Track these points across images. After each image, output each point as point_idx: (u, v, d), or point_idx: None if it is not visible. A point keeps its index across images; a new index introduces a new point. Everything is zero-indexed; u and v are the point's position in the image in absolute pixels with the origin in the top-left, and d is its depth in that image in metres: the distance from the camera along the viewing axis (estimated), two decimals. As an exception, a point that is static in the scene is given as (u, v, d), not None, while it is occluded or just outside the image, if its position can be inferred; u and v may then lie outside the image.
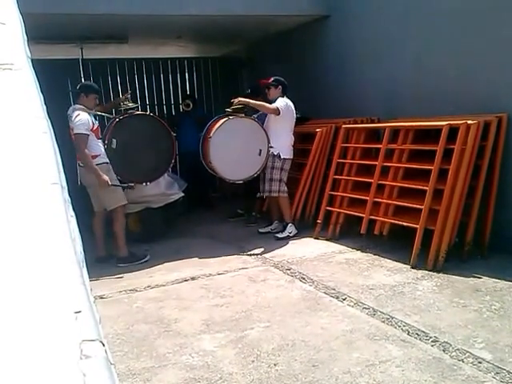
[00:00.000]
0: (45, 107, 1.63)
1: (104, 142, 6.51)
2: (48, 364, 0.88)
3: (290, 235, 7.13)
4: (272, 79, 7.30)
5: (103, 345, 0.93)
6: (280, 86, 7.25)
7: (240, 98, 7.01)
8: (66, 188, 1.33)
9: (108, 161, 6.39)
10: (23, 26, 1.95)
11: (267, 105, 7.00)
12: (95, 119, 6.45)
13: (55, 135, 1.54)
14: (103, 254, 6.58)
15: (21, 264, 1.05)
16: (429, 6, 6.54)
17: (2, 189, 1.21)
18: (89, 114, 6.32)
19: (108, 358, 0.92)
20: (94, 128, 6.30)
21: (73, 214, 1.27)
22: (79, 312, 0.96)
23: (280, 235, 7.15)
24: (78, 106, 6.39)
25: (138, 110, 7.31)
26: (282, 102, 7.04)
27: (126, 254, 6.47)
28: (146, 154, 6.92)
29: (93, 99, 6.47)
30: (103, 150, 6.39)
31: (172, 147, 7.16)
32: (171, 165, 7.23)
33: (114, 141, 6.50)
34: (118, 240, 6.48)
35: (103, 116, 7.02)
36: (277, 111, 6.96)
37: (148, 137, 7.02)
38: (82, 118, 6.16)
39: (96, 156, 6.28)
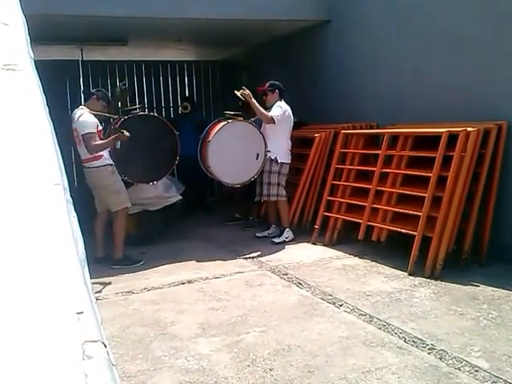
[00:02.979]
0: (47, 108, 1.63)
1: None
2: (50, 364, 0.87)
3: (287, 240, 7.12)
4: (267, 84, 7.31)
5: (105, 346, 0.93)
6: (277, 90, 7.26)
7: (248, 92, 6.98)
8: (68, 189, 1.33)
9: (112, 162, 6.40)
10: (26, 27, 1.95)
11: (265, 112, 7.01)
12: (99, 122, 6.47)
13: (56, 136, 1.54)
14: (102, 254, 6.58)
15: (23, 264, 1.05)
16: (429, 12, 6.56)
17: (4, 189, 1.21)
18: (93, 115, 6.35)
19: (110, 358, 0.92)
20: (98, 129, 6.31)
21: (75, 214, 1.27)
22: (81, 313, 0.96)
23: (277, 240, 7.14)
24: (81, 107, 6.47)
25: (142, 111, 7.33)
26: (279, 110, 7.06)
27: (120, 257, 6.47)
28: (151, 154, 6.92)
29: (101, 105, 6.56)
30: (106, 152, 6.40)
31: (176, 147, 7.16)
32: (175, 164, 7.21)
33: (118, 141, 6.51)
34: (116, 241, 6.48)
35: (106, 117, 7.02)
36: (272, 121, 6.98)
37: (152, 137, 7.03)
38: (86, 118, 6.22)
39: (99, 157, 6.30)
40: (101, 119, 6.59)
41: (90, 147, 6.18)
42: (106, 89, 7.57)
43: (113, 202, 6.46)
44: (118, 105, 7.51)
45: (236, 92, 7.09)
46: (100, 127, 6.43)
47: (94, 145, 6.18)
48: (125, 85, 7.55)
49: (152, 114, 7.96)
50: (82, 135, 6.17)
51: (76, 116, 6.28)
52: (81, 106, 6.49)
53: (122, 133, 6.17)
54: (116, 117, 7.15)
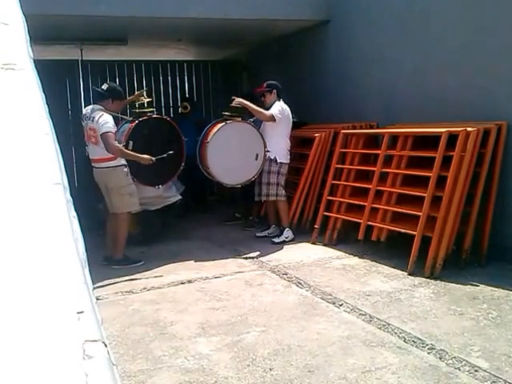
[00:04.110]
0: (47, 108, 1.63)
1: (120, 142, 6.48)
2: (51, 364, 0.87)
3: (287, 240, 7.12)
4: (265, 85, 7.31)
5: (105, 345, 0.93)
6: (274, 90, 7.26)
7: (240, 99, 7.02)
8: (68, 188, 1.33)
9: (126, 163, 6.36)
10: (26, 27, 1.95)
11: (263, 111, 7.01)
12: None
13: (56, 135, 1.54)
14: (110, 253, 6.58)
15: (24, 264, 1.05)
16: (429, 12, 6.56)
17: (5, 189, 1.21)
18: (111, 115, 6.34)
19: (110, 358, 0.92)
20: (115, 130, 6.29)
21: (75, 214, 1.27)
22: (82, 312, 0.96)
23: (276, 240, 7.14)
24: (98, 106, 6.42)
25: (154, 113, 7.32)
26: (278, 108, 7.05)
27: (121, 257, 6.47)
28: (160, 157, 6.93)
29: (117, 105, 6.55)
30: None
31: (182, 151, 7.16)
32: (182, 168, 7.20)
33: (131, 142, 6.50)
34: (117, 242, 6.48)
35: (118, 117, 7.01)
36: (272, 118, 6.98)
37: (162, 139, 7.02)
38: (106, 118, 6.17)
39: (114, 158, 6.26)
40: (115, 118, 6.59)
41: (109, 146, 6.10)
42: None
43: (124, 203, 6.42)
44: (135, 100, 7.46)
45: (232, 105, 7.10)
46: (115, 128, 6.40)
47: (114, 146, 6.13)
48: (146, 94, 7.48)
49: (165, 117, 7.96)
50: (101, 134, 6.10)
51: (95, 116, 6.23)
52: (97, 106, 6.43)
53: (152, 161, 6.36)
54: (130, 118, 7.13)
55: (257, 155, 7.04)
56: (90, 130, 6.30)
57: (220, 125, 7.10)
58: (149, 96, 7.45)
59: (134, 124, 6.84)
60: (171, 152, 6.67)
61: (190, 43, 10.39)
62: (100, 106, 6.39)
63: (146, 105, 7.23)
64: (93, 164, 6.48)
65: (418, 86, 6.79)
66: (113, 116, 6.43)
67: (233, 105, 7.09)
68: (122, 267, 6.26)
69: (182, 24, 8.27)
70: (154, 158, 6.39)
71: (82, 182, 6.91)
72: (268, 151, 7.08)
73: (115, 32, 8.82)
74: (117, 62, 10.73)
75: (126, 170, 6.36)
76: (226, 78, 11.28)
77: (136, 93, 7.47)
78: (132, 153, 6.37)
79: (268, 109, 7.12)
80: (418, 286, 5.14)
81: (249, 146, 7.06)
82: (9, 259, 1.05)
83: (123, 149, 6.31)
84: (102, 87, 6.56)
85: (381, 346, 3.89)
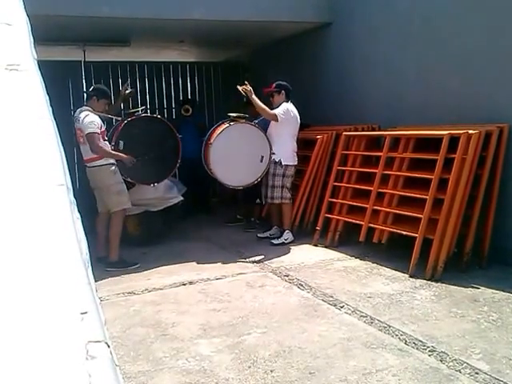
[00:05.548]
0: (51, 109, 1.63)
1: (110, 142, 6.54)
2: (54, 364, 0.88)
3: (286, 242, 7.09)
4: (274, 85, 7.26)
5: (108, 346, 0.93)
6: (283, 91, 7.19)
7: (249, 88, 6.91)
8: (72, 189, 1.33)
9: (114, 162, 6.42)
10: (29, 27, 1.96)
11: (267, 109, 6.95)
12: (102, 122, 6.50)
13: (59, 136, 1.54)
14: (104, 254, 6.56)
15: (27, 264, 1.05)
16: (431, 14, 6.56)
17: (9, 190, 1.21)
18: (97, 115, 6.40)
19: (113, 359, 0.93)
20: (102, 130, 6.36)
21: (78, 215, 1.28)
22: (85, 313, 0.96)
23: (275, 241, 7.12)
24: (85, 107, 6.50)
25: (145, 113, 7.34)
26: (283, 109, 7.01)
27: (115, 259, 6.42)
28: (153, 156, 6.94)
29: (103, 104, 6.60)
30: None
31: (177, 149, 7.17)
32: (177, 166, 7.22)
33: (122, 142, 6.54)
34: (111, 243, 6.46)
35: (110, 118, 7.06)
36: (275, 118, 6.93)
37: (155, 139, 7.05)
38: (91, 119, 6.25)
39: (101, 157, 6.33)
40: (104, 119, 6.62)
41: (93, 146, 6.23)
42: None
43: (113, 202, 6.46)
44: (121, 106, 7.54)
45: (238, 87, 7.05)
46: (104, 128, 6.47)
47: (98, 146, 6.24)
48: (130, 86, 7.57)
49: (155, 115, 7.99)
50: (86, 134, 6.20)
51: (81, 117, 6.31)
52: (84, 107, 6.51)
53: (133, 161, 6.48)
54: (119, 118, 7.17)
55: (262, 157, 6.99)
56: (78, 131, 6.40)
57: (224, 126, 7.07)
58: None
59: (123, 124, 6.87)
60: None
61: (192, 45, 10.41)
62: (87, 107, 6.49)
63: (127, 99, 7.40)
64: (84, 164, 6.57)
65: (420, 88, 6.79)
66: (104, 117, 6.51)
67: (240, 88, 6.98)
68: (116, 270, 6.21)
69: (184, 25, 8.28)
70: (134, 160, 6.48)
71: (84, 182, 6.93)
72: (273, 153, 7.05)
73: (118, 33, 8.84)
74: (119, 63, 10.74)
75: (112, 168, 6.41)
76: (228, 80, 11.26)
77: (121, 89, 7.64)
78: (115, 153, 6.47)
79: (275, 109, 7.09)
80: (419, 288, 5.14)
81: (254, 147, 7.01)
82: (13, 260, 1.05)
83: (107, 149, 6.40)
84: None
85: (382, 348, 3.89)
